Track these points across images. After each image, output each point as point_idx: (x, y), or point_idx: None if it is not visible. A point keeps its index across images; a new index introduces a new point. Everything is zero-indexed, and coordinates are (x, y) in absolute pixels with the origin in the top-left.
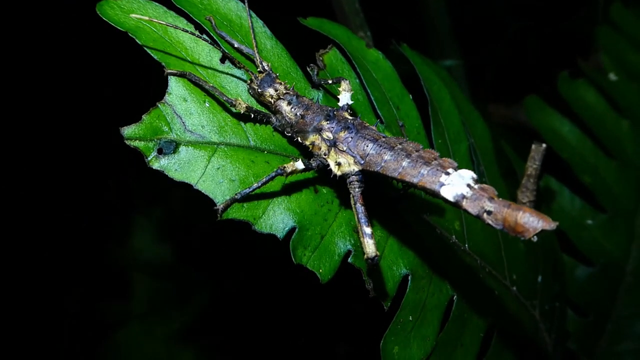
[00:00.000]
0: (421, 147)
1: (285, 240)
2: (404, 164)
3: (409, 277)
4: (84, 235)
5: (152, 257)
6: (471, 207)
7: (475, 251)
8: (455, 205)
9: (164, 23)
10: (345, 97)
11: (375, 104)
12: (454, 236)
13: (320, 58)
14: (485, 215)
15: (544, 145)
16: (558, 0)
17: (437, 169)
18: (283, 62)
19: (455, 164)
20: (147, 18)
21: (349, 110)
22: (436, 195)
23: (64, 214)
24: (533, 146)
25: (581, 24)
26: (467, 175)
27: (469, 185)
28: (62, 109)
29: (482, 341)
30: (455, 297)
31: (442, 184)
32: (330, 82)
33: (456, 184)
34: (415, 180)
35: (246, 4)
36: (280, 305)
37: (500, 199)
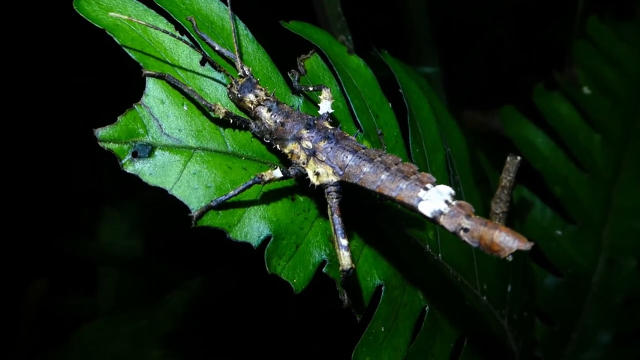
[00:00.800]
0: (400, 160)
1: (260, 249)
2: (383, 177)
3: (383, 288)
4: (48, 225)
5: (122, 250)
6: (448, 224)
7: (448, 261)
8: (433, 221)
9: (143, 23)
10: (325, 106)
11: (355, 112)
12: (427, 245)
13: (302, 63)
14: (461, 232)
15: (518, 157)
16: (536, 10)
17: (416, 184)
18: (264, 67)
19: (434, 179)
20: (126, 17)
21: (329, 119)
22: (414, 210)
23: (27, 202)
24: (508, 158)
25: (558, 33)
26: (445, 191)
27: (446, 202)
28: (32, 96)
29: (452, 351)
30: (427, 307)
31: (420, 199)
32: (311, 89)
33: (434, 199)
34: (393, 194)
35: (229, 6)
36: (255, 306)
37: (478, 216)
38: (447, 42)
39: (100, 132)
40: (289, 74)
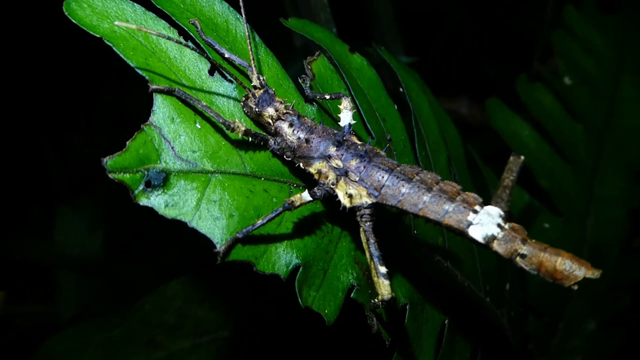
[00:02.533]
0: (440, 178)
1: (289, 280)
2: (425, 199)
3: (407, 307)
4: None
5: (81, 252)
6: (503, 250)
7: (456, 266)
8: (484, 246)
9: (154, 33)
10: (347, 116)
11: (364, 116)
12: (437, 254)
13: (309, 66)
14: (518, 258)
15: (522, 157)
16: None
17: (463, 206)
18: (274, 73)
19: (480, 199)
20: (134, 26)
21: (352, 131)
22: (462, 234)
23: None
24: (511, 158)
25: (523, 19)
26: (495, 212)
27: (499, 225)
28: None
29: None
30: (446, 321)
31: (470, 223)
32: (327, 97)
33: (485, 223)
34: (438, 218)
35: (242, 12)
36: (246, 310)
37: (534, 240)
38: (409, 27)
39: (109, 161)
40: (300, 80)
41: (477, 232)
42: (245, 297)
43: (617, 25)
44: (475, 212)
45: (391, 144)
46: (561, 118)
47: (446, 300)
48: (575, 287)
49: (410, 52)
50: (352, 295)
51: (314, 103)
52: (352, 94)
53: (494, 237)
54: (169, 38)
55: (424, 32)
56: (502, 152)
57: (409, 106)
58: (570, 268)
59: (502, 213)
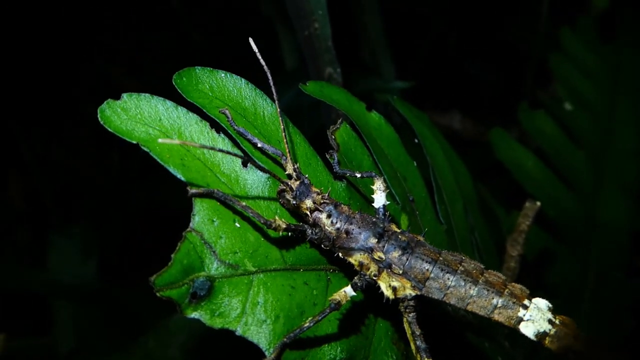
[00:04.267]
0: (483, 267)
1: None
2: (472, 292)
3: None
4: None
5: (74, 279)
6: (555, 347)
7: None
8: (536, 343)
9: (197, 145)
10: (381, 198)
11: (387, 181)
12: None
13: (333, 136)
14: (570, 354)
15: (538, 203)
16: (492, 6)
17: (512, 301)
18: (302, 153)
19: (528, 291)
20: (178, 142)
21: (387, 213)
22: (512, 330)
23: None
24: (527, 204)
25: (514, 30)
26: (544, 306)
27: (550, 321)
28: None
29: None
30: None
31: (521, 319)
32: (358, 175)
33: (537, 319)
34: (487, 314)
35: (275, 98)
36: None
37: (583, 334)
38: (397, 40)
39: (157, 280)
40: (327, 156)
41: (529, 330)
42: None
43: (612, 48)
44: (525, 307)
45: (414, 205)
46: (563, 145)
47: None
48: None
49: (400, 67)
50: None
51: (343, 180)
52: (375, 158)
53: (546, 334)
54: (212, 148)
55: (412, 47)
56: (498, 168)
57: (426, 158)
58: None
59: (550, 305)
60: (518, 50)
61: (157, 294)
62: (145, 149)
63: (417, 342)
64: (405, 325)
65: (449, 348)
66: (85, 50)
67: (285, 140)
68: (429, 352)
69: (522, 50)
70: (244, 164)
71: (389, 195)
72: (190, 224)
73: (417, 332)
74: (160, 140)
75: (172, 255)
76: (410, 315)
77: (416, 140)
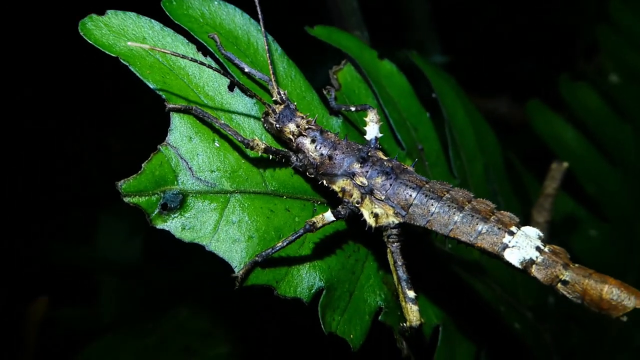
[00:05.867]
0: (472, 196)
1: (312, 304)
2: (456, 218)
3: (440, 328)
4: (39, 233)
5: (120, 256)
6: (542, 275)
7: (494, 280)
8: (522, 271)
9: (168, 52)
10: (373, 130)
11: (394, 126)
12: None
13: (335, 76)
14: (559, 285)
15: (565, 164)
16: None
17: (498, 227)
18: (297, 86)
19: (517, 219)
20: (148, 47)
21: (378, 145)
22: (497, 257)
23: (17, 210)
24: (553, 165)
25: (567, 14)
26: (533, 234)
27: (537, 248)
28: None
29: None
30: (485, 343)
31: (505, 246)
32: (353, 109)
33: (523, 246)
34: (471, 240)
35: (261, 23)
36: (279, 327)
37: (577, 265)
38: (444, 25)
39: (124, 185)
40: (325, 92)
41: (514, 256)
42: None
43: None
44: (512, 233)
45: (423, 155)
46: (607, 118)
47: (483, 320)
48: (625, 319)
49: (447, 50)
50: (379, 318)
51: (340, 115)
52: (381, 103)
53: (532, 262)
54: (183, 57)
55: (461, 29)
56: (544, 152)
57: (443, 114)
58: (619, 297)
59: (541, 234)
60: (569, 33)
61: (124, 200)
62: (125, 63)
63: (399, 272)
64: (389, 256)
65: (438, 283)
66: None
67: (270, 64)
68: (410, 282)
69: (572, 32)
70: (230, 88)
71: (385, 128)
72: (167, 138)
73: (400, 263)
74: (129, 43)
75: (143, 165)
76: (394, 245)
77: (433, 95)
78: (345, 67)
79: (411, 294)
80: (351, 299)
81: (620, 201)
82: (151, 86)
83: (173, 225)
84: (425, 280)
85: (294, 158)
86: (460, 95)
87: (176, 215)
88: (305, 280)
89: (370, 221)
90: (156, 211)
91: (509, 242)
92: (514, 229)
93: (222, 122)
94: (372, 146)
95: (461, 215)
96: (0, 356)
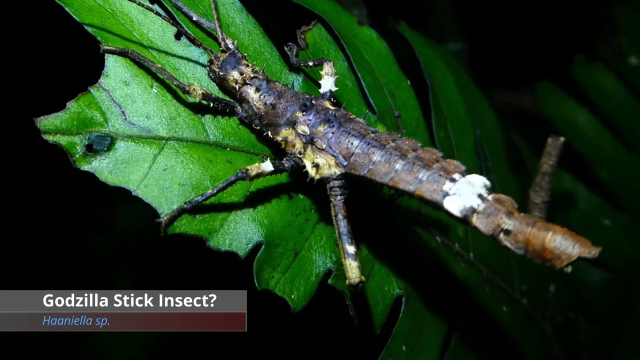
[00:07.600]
0: (420, 145)
1: (249, 259)
2: (397, 166)
3: (403, 299)
4: (58, 222)
5: (138, 246)
6: (483, 225)
7: (481, 261)
8: (463, 221)
9: None
10: (328, 83)
11: (366, 90)
12: (456, 244)
13: (302, 36)
14: (501, 235)
15: (561, 138)
16: None
17: (440, 174)
18: (255, 40)
19: (463, 168)
20: None
21: (332, 99)
22: (438, 207)
23: (36, 201)
24: (549, 140)
25: (591, 6)
26: (478, 182)
27: (480, 196)
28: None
29: None
30: (459, 320)
31: (446, 194)
32: (310, 64)
33: (464, 193)
34: (410, 188)
35: None
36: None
37: (522, 214)
38: (468, 15)
39: (43, 122)
40: (286, 48)
41: (454, 205)
42: None
43: None
44: (453, 180)
45: (400, 122)
46: (625, 102)
47: (457, 299)
48: (569, 270)
49: (469, 41)
50: (329, 281)
51: (301, 73)
52: (354, 66)
53: (473, 210)
54: (140, 4)
55: (484, 20)
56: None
57: (427, 82)
58: (562, 245)
59: (487, 183)
60: (593, 25)
61: (43, 137)
62: (61, 4)
63: (340, 226)
64: (332, 210)
65: (405, 254)
66: None
67: (215, 11)
68: (351, 237)
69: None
70: (177, 36)
71: (341, 83)
72: (99, 81)
73: (341, 215)
74: None
75: (68, 103)
76: (337, 198)
77: (421, 66)
78: (315, 28)
79: (351, 249)
80: (296, 258)
81: (636, 189)
82: (87, 28)
83: (98, 167)
84: (390, 248)
85: (238, 108)
86: (454, 69)
87: (103, 158)
88: (243, 233)
89: (312, 172)
90: (80, 152)
91: (450, 189)
92: (456, 176)
93: (159, 66)
94: (325, 98)
95: (403, 162)
96: None
